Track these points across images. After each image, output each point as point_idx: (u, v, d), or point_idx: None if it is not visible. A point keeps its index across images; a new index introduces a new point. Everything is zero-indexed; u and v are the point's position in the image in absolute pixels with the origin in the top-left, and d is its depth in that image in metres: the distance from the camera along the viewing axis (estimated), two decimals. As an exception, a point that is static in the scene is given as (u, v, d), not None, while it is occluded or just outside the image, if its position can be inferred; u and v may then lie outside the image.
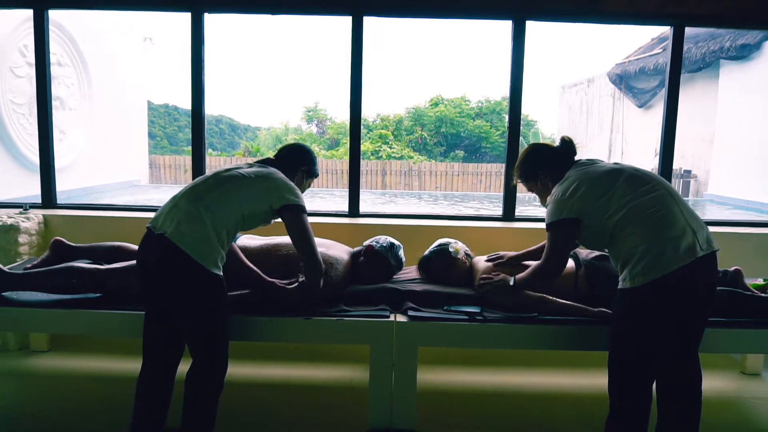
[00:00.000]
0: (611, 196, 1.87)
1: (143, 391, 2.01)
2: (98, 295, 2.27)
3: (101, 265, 2.37)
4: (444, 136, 18.70)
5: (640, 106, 11.08)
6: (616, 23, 3.31)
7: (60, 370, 2.80)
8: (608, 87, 12.06)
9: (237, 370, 2.80)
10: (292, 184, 2.10)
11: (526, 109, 21.14)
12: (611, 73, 11.58)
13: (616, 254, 1.88)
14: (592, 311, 2.15)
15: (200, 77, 3.22)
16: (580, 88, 13.72)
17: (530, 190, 2.20)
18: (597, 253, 2.37)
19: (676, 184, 10.84)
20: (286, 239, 2.48)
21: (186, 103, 22.22)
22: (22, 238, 2.93)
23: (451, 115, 18.54)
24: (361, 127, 3.28)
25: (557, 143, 2.20)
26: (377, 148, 16.57)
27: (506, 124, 3.34)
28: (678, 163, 10.93)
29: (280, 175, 2.10)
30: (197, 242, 1.86)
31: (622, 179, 1.90)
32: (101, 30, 8.10)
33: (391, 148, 16.83)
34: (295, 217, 2.01)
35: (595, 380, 2.83)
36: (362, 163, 12.96)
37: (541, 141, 16.07)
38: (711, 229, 3.06)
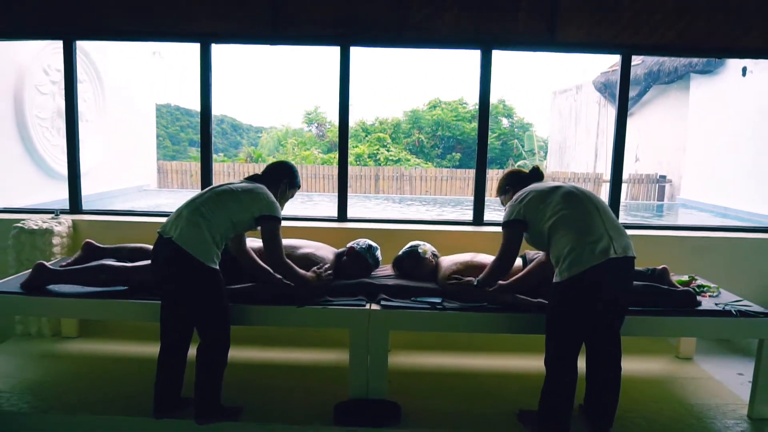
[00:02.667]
0: (548, 205, 2.35)
1: (162, 368, 2.48)
2: (124, 288, 2.73)
3: (126, 263, 2.84)
4: (441, 139, 19.08)
5: (621, 113, 11.53)
6: (573, 52, 3.77)
7: (88, 353, 3.25)
8: (594, 94, 12.53)
9: (241, 354, 3.26)
10: (273, 198, 2.52)
11: (522, 112, 21.51)
12: (596, 81, 12.04)
13: (552, 254, 2.36)
14: (533, 302, 2.61)
15: (208, 100, 3.68)
16: (570, 94, 14.19)
17: (502, 202, 2.72)
18: (541, 254, 2.82)
19: (653, 189, 11.43)
20: (291, 242, 2.94)
21: (188, 104, 22.65)
22: (56, 240, 3.39)
23: (447, 119, 18.91)
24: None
25: (530, 169, 2.72)
26: (375, 151, 16.96)
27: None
28: (655, 169, 11.47)
29: (264, 189, 2.54)
30: (196, 244, 2.32)
31: (559, 194, 2.38)
32: (115, 47, 8.62)
33: (388, 150, 17.21)
34: (268, 226, 2.47)
35: (535, 361, 3.27)
36: (357, 168, 13.35)
37: (535, 143, 16.46)
38: (653, 232, 3.59)
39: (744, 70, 7.77)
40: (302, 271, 2.61)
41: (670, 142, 10.88)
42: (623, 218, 9.07)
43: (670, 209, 10.25)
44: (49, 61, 6.84)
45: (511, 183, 2.67)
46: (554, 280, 2.29)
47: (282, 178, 2.69)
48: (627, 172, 11.74)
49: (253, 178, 2.66)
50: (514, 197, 2.50)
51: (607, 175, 12.05)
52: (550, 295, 2.35)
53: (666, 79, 9.88)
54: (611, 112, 12.23)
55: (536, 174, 2.67)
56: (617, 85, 3.84)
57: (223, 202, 2.44)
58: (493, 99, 20.42)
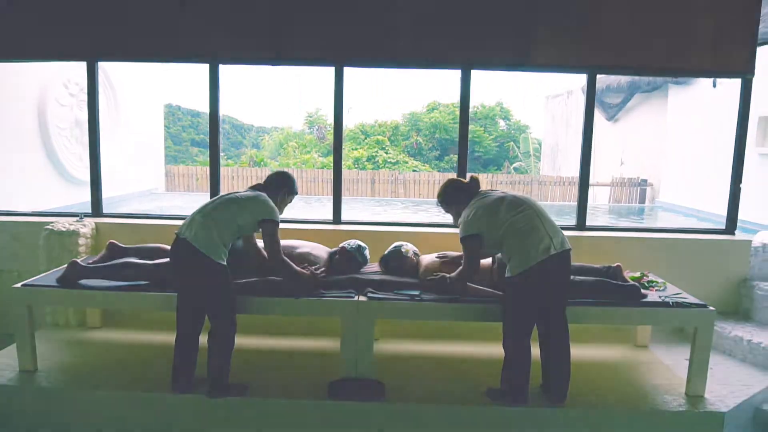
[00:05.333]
0: (498, 216, 2.77)
1: (178, 351, 2.90)
2: (146, 282, 3.14)
3: (147, 261, 3.25)
4: (439, 141, 19.46)
5: (608, 119, 12.05)
6: (544, 72, 4.18)
7: (112, 341, 3.66)
8: (584, 100, 12.89)
9: (247, 341, 3.65)
10: (273, 204, 2.95)
11: (519, 115, 21.86)
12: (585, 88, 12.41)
13: (504, 255, 2.78)
14: (499, 294, 3.02)
15: (216, 116, 4.09)
16: (561, 99, 14.59)
17: (447, 212, 3.10)
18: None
19: (634, 192, 11.95)
20: (290, 242, 3.35)
21: (189, 104, 23.03)
22: (81, 241, 3.81)
23: (445, 121, 19.27)
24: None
25: (467, 179, 3.10)
26: (373, 154, 17.34)
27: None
28: (638, 173, 11.97)
29: (264, 197, 2.97)
30: (207, 243, 2.77)
31: (504, 205, 2.80)
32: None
33: (387, 153, 17.60)
34: (269, 228, 2.90)
35: (500, 347, 3.65)
36: (354, 172, 13.76)
37: (531, 145, 16.82)
38: (619, 234, 4.06)
39: (714, 81, 8.19)
40: (297, 268, 3.03)
41: (651, 147, 11.37)
42: (609, 220, 9.49)
43: (651, 211, 10.72)
44: (69, 75, 7.35)
45: (457, 193, 3.02)
46: (506, 275, 2.73)
47: (282, 187, 3.13)
48: (611, 176, 12.20)
49: (256, 187, 3.09)
50: (465, 215, 2.86)
51: (596, 179, 12.51)
52: (505, 289, 2.78)
53: (647, 88, 10.38)
54: (598, 118, 12.67)
55: (475, 184, 3.03)
56: (583, 102, 4.23)
57: (229, 209, 2.88)
58: (491, 102, 20.85)
